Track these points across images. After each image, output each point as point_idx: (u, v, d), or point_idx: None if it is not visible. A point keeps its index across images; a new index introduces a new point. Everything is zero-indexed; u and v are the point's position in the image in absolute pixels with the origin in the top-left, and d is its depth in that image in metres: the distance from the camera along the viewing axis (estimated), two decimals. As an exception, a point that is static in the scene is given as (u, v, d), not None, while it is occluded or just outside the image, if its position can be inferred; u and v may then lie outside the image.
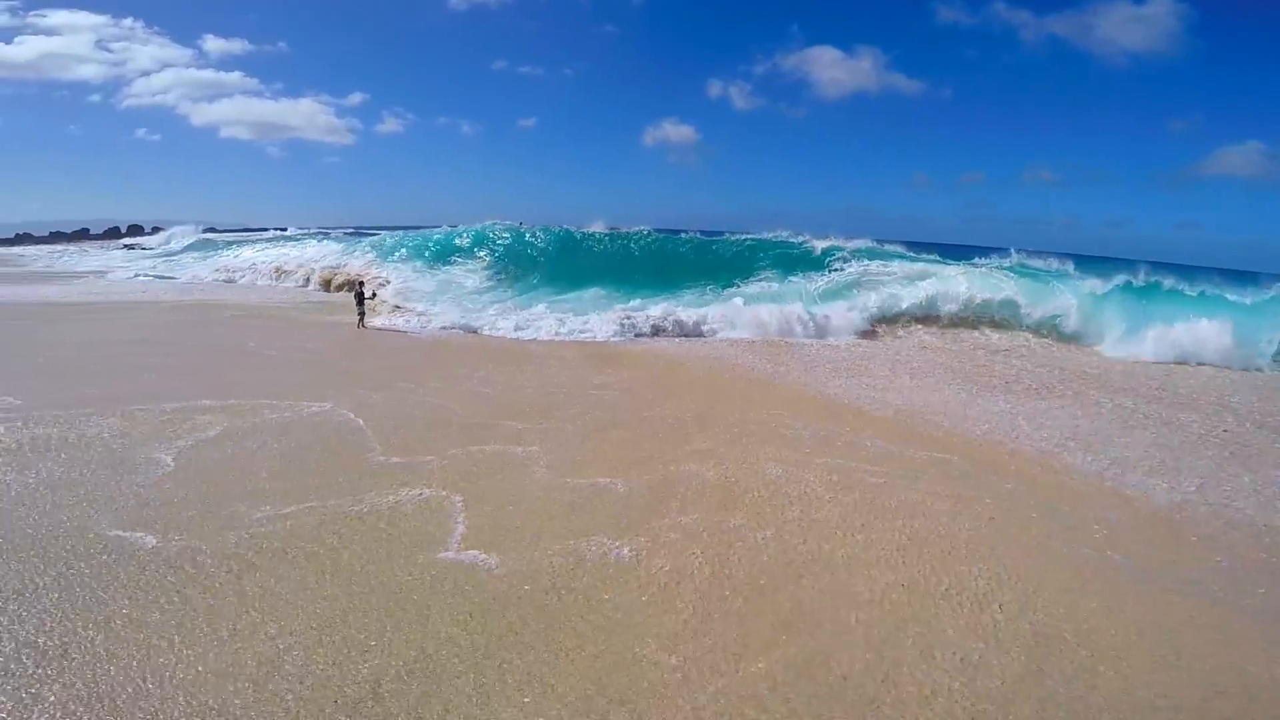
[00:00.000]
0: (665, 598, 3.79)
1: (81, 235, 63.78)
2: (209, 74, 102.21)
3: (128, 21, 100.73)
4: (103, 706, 2.72)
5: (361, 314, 14.49)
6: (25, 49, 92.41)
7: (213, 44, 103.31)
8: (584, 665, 3.17)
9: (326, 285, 23.17)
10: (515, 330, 14.39)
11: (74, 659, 3.00)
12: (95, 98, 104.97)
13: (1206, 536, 4.97)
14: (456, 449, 6.14)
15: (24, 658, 3.01)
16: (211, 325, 14.05)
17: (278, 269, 26.54)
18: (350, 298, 15.43)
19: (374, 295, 16.32)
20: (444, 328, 14.72)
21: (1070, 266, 17.71)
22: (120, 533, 4.26)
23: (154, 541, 4.16)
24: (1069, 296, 15.58)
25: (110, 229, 65.85)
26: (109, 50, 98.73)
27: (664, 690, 3.01)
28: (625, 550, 4.32)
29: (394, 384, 8.74)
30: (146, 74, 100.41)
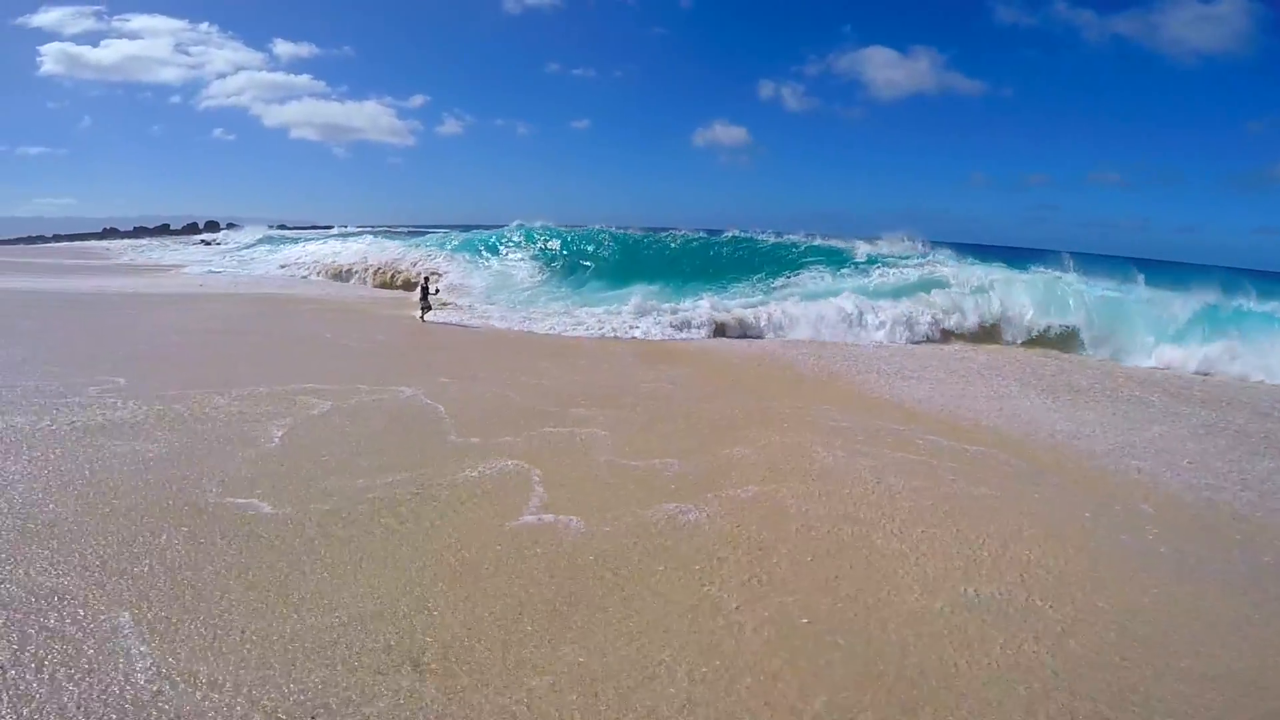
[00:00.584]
0: (728, 550, 4.27)
1: (163, 230, 67.98)
2: (280, 76, 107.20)
3: (204, 25, 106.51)
4: (225, 647, 3.23)
5: (426, 307, 15.28)
6: (111, 52, 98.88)
7: (283, 48, 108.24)
8: (662, 605, 3.63)
9: (386, 283, 24.21)
10: (573, 327, 14.96)
11: (201, 608, 3.54)
12: (175, 99, 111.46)
13: None
14: (528, 431, 6.68)
15: (153, 605, 3.60)
16: (288, 318, 15.05)
17: (336, 267, 27.37)
18: (410, 293, 16.26)
19: (437, 291, 17.09)
20: (499, 323, 15.42)
21: (1141, 281, 16.56)
22: (233, 499, 4.83)
23: (267, 508, 4.70)
24: (1142, 333, 14.34)
25: (189, 224, 69.99)
26: (187, 54, 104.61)
27: (736, 621, 3.43)
28: (692, 514, 4.86)
29: (461, 373, 9.37)
30: (222, 76, 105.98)
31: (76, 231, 69.49)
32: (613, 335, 14.46)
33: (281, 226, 60.60)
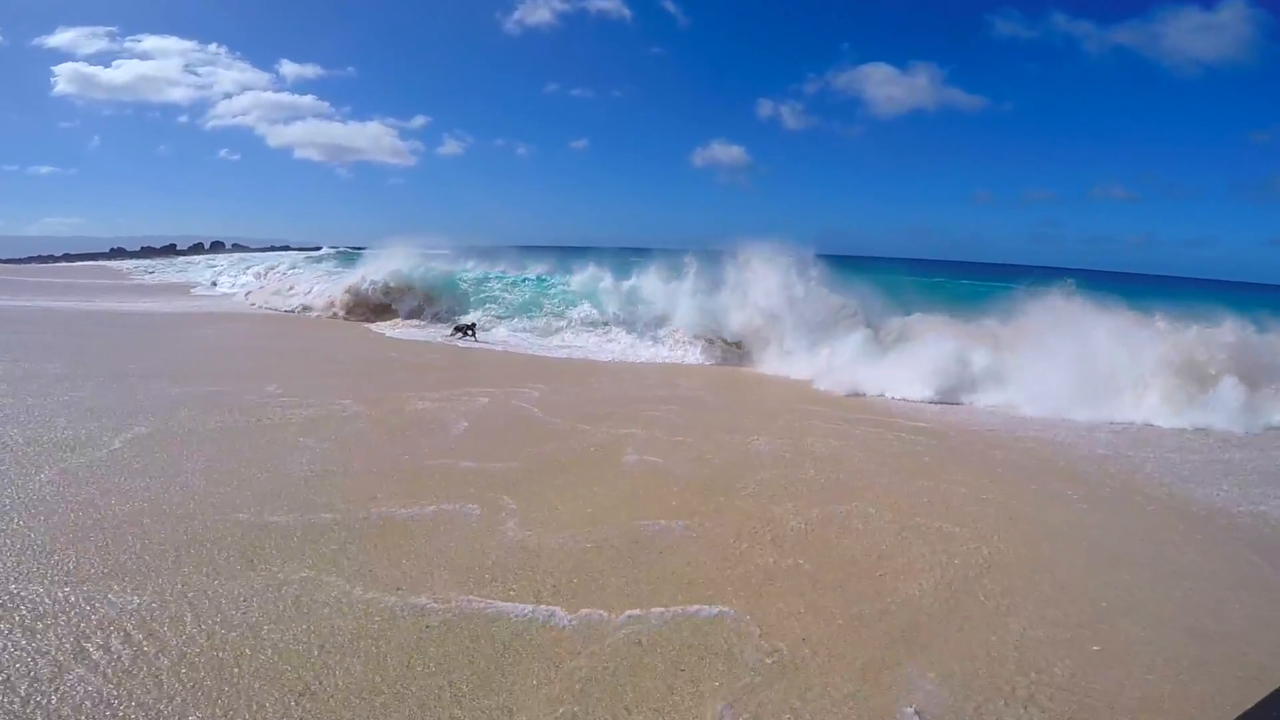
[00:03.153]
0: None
1: (169, 250, 68.89)
2: (285, 97, 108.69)
3: (213, 46, 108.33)
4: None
5: (465, 331, 16.08)
6: (122, 72, 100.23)
7: (288, 68, 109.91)
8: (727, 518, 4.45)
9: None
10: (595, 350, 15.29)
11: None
12: (183, 119, 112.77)
13: None
14: (612, 419, 7.92)
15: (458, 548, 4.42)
16: (331, 341, 15.92)
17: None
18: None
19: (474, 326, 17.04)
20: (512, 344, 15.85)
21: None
22: (447, 461, 6.25)
23: (471, 464, 6.15)
24: None
25: (195, 244, 70.97)
26: (196, 74, 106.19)
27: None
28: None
29: (522, 385, 10.23)
30: (229, 96, 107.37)
31: (84, 251, 70.32)
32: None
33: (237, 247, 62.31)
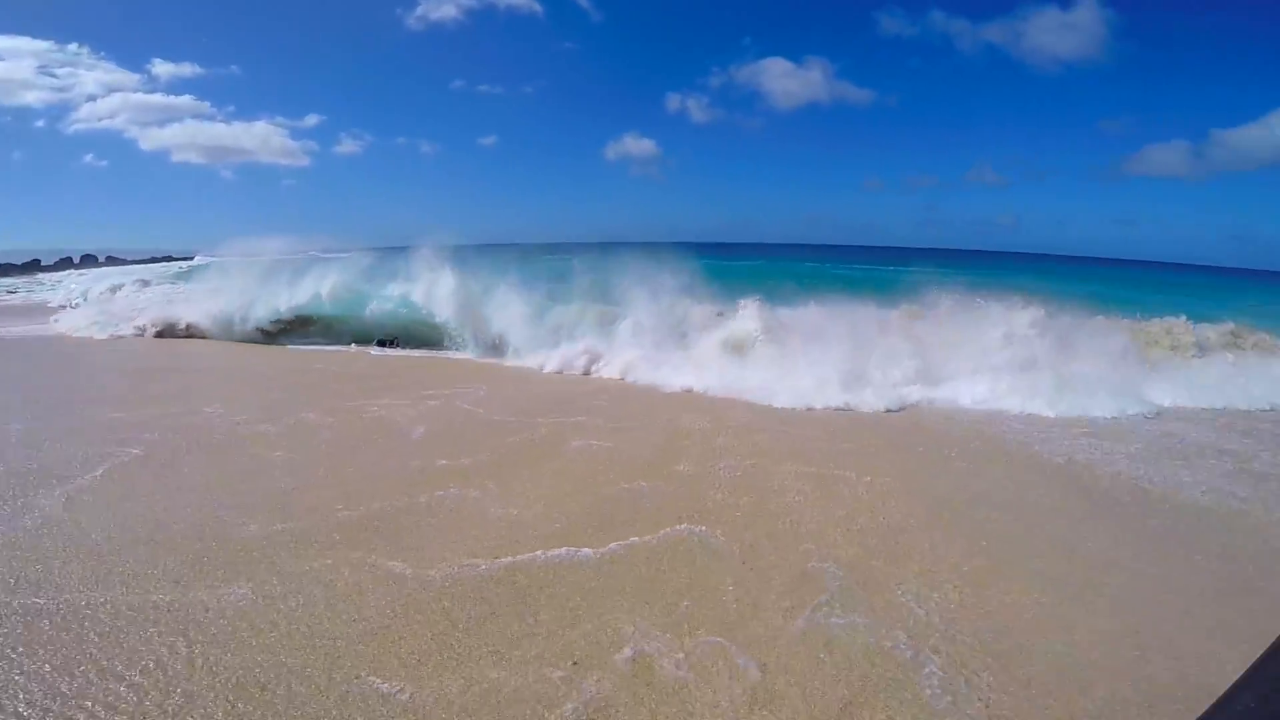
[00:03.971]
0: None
1: (33, 266, 62.25)
2: (158, 98, 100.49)
3: (73, 47, 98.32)
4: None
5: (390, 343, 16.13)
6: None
7: (161, 68, 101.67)
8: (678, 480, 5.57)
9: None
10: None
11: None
12: (40, 123, 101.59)
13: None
14: (554, 412, 8.55)
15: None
16: (247, 358, 15.75)
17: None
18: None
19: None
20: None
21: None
22: (422, 460, 6.58)
23: (445, 461, 6.34)
24: None
25: (62, 259, 64.44)
26: (53, 75, 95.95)
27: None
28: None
29: (454, 387, 10.89)
30: (93, 99, 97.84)
31: (-71, 268, 62.18)
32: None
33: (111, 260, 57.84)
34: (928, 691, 3.23)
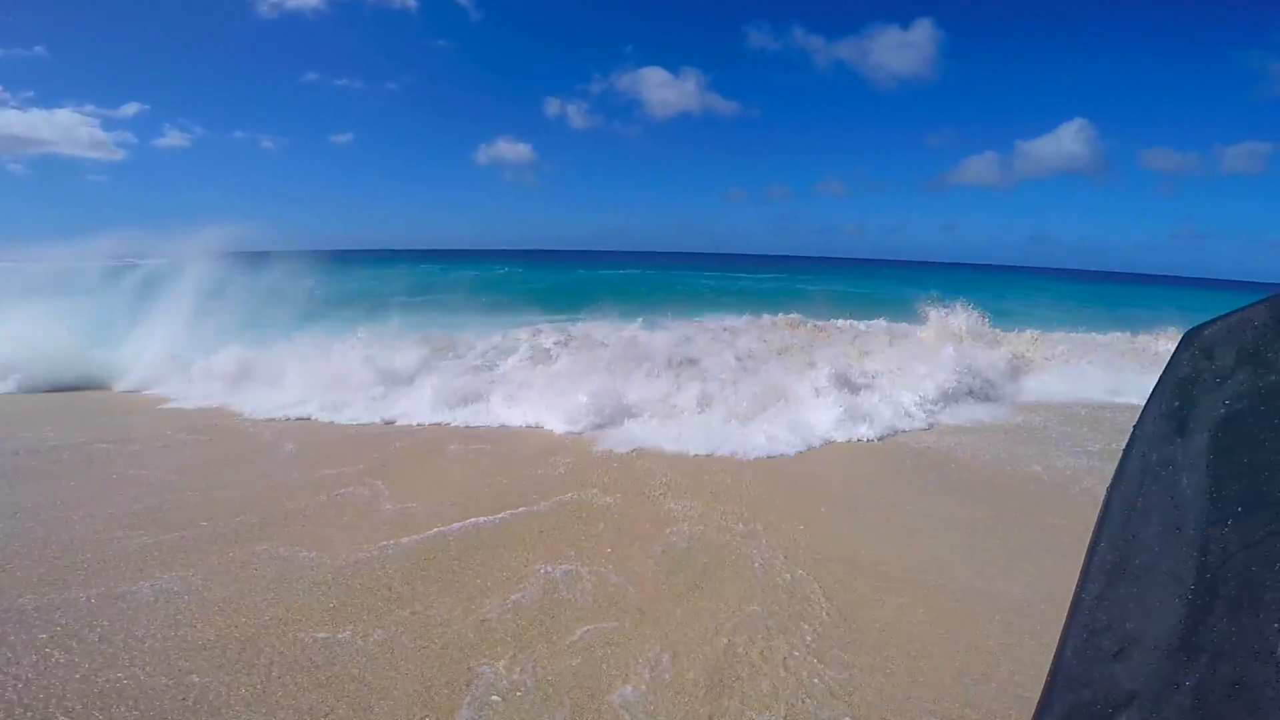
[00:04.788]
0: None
1: None
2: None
3: None
4: None
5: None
6: None
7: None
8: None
9: None
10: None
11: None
12: None
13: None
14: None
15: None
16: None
17: None
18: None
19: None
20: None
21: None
22: (311, 472, 5.84)
23: (329, 471, 5.63)
24: None
25: None
26: None
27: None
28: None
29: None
30: None
31: None
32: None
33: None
34: (756, 563, 4.65)
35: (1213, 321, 0.92)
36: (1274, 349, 0.84)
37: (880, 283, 41.25)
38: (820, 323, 15.74)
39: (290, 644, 3.60)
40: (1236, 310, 0.90)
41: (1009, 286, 40.85)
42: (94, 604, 3.96)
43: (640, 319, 14.25)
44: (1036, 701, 0.75)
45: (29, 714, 2.99)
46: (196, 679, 3.28)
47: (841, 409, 8.38)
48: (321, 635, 3.68)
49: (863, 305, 17.72)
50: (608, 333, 12.96)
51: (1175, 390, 0.90)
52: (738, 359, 10.85)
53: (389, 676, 3.35)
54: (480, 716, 3.05)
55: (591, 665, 3.45)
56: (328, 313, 16.56)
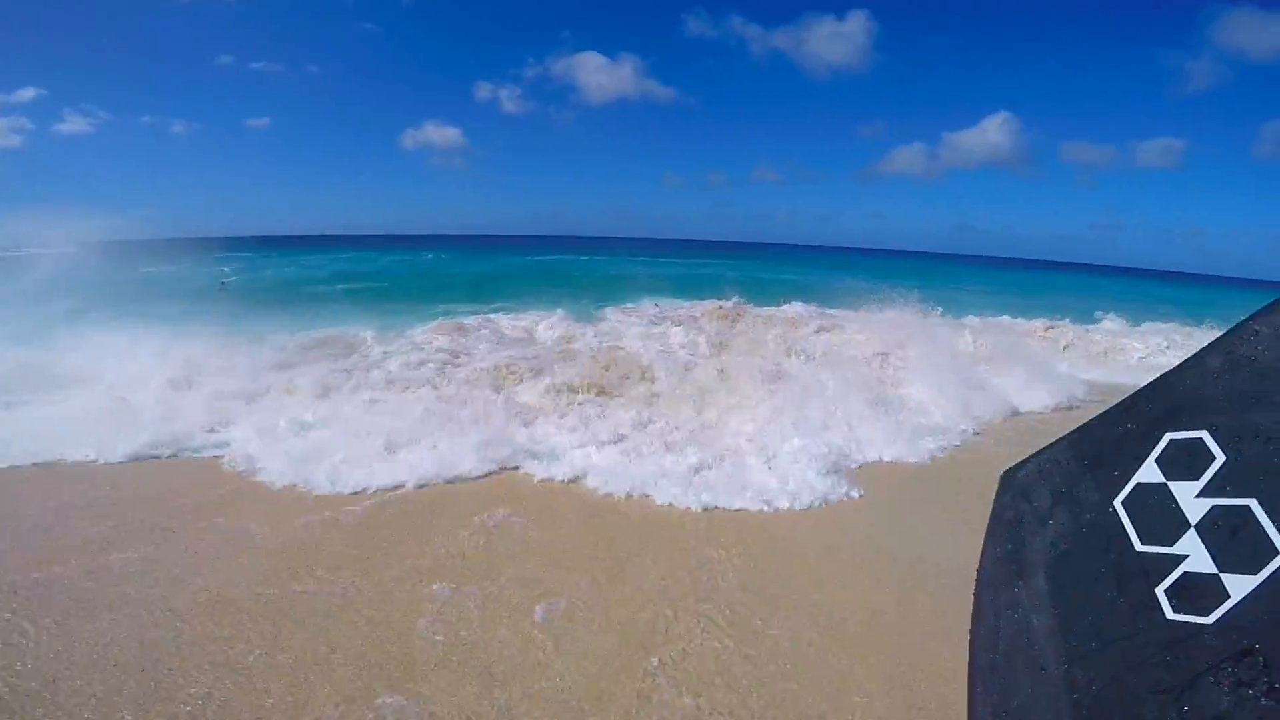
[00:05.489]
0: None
1: None
2: None
3: None
4: None
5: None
6: None
7: None
8: None
9: None
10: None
11: None
12: None
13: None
14: None
15: None
16: None
17: None
18: None
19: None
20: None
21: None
22: None
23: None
24: None
25: None
26: None
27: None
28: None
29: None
30: None
31: None
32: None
33: None
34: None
35: (1025, 463, 1.07)
36: (1083, 486, 0.94)
37: (812, 269, 41.68)
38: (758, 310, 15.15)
39: None
40: (1044, 450, 1.05)
41: (936, 274, 42.05)
42: None
43: (559, 310, 13.33)
44: None
45: None
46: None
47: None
48: None
49: (796, 292, 17.41)
50: (527, 326, 12.01)
51: (1006, 534, 1.00)
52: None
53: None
54: None
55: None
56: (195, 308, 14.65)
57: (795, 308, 15.05)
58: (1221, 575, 0.77)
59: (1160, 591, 0.81)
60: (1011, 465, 1.08)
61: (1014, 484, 1.05)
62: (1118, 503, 0.90)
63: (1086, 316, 17.29)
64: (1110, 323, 17.27)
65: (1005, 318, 16.40)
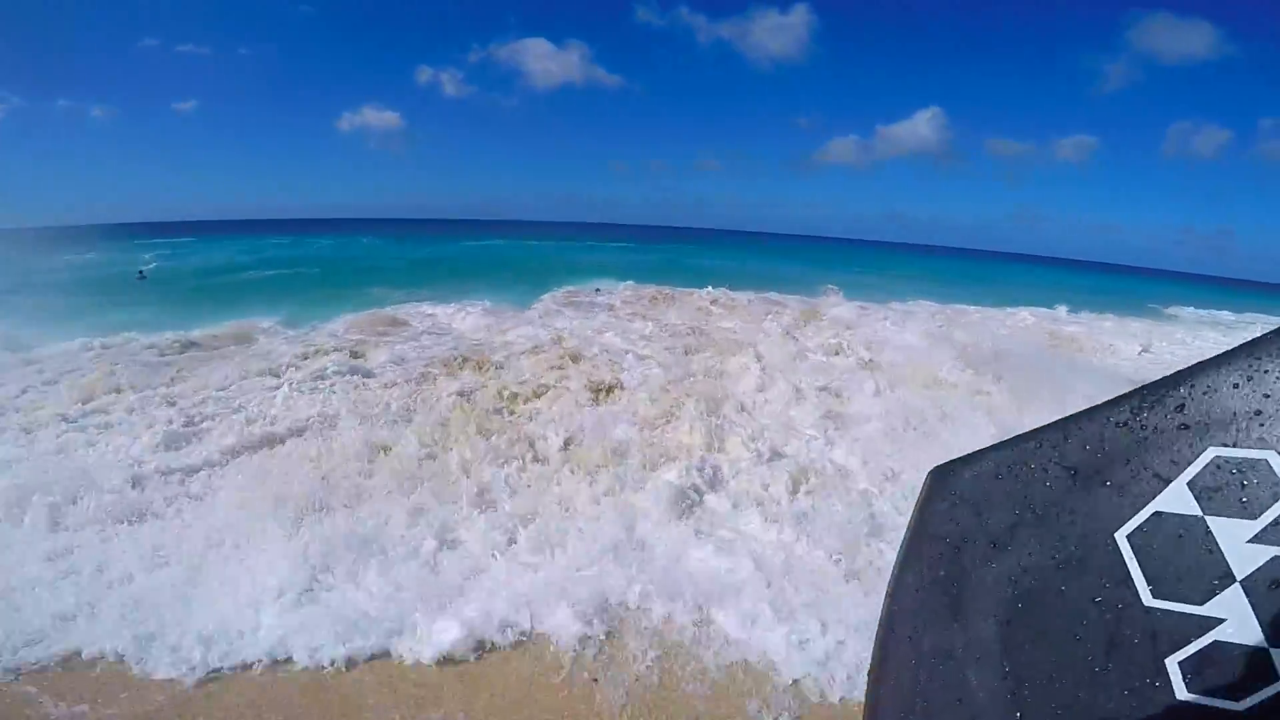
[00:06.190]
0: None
1: None
2: None
3: None
4: None
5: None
6: None
7: None
8: None
9: None
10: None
11: None
12: None
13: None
14: None
15: None
16: None
17: None
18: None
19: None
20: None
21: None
22: None
23: None
24: None
25: None
26: None
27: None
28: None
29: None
30: None
31: None
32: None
33: None
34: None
35: (970, 460, 0.77)
36: (1065, 507, 0.70)
37: (752, 256, 42.34)
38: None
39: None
40: (1001, 446, 0.77)
41: (872, 260, 43.30)
42: None
43: (486, 301, 13.07)
44: None
45: None
46: None
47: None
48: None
49: (732, 280, 17.71)
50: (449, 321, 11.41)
51: (939, 555, 0.74)
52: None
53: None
54: None
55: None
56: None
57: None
58: (1273, 651, 0.57)
59: (1173, 663, 0.61)
60: (946, 462, 0.80)
61: (953, 488, 0.78)
62: (1121, 535, 0.67)
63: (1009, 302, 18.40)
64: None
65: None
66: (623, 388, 7.23)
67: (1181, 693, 0.60)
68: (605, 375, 7.58)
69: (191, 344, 9.18)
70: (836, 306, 13.44)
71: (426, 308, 12.50)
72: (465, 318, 11.37)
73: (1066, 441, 0.74)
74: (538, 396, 6.85)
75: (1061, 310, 18.32)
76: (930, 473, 0.82)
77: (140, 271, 21.32)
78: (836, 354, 9.00)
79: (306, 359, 8.26)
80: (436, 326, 10.97)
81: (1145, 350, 12.59)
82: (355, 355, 8.48)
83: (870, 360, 8.50)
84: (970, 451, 0.80)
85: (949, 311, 15.88)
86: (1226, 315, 23.75)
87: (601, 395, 7.01)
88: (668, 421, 6.20)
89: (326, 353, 8.46)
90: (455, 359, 8.23)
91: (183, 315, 11.49)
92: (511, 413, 6.52)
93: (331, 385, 7.15)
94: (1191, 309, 25.18)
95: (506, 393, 6.90)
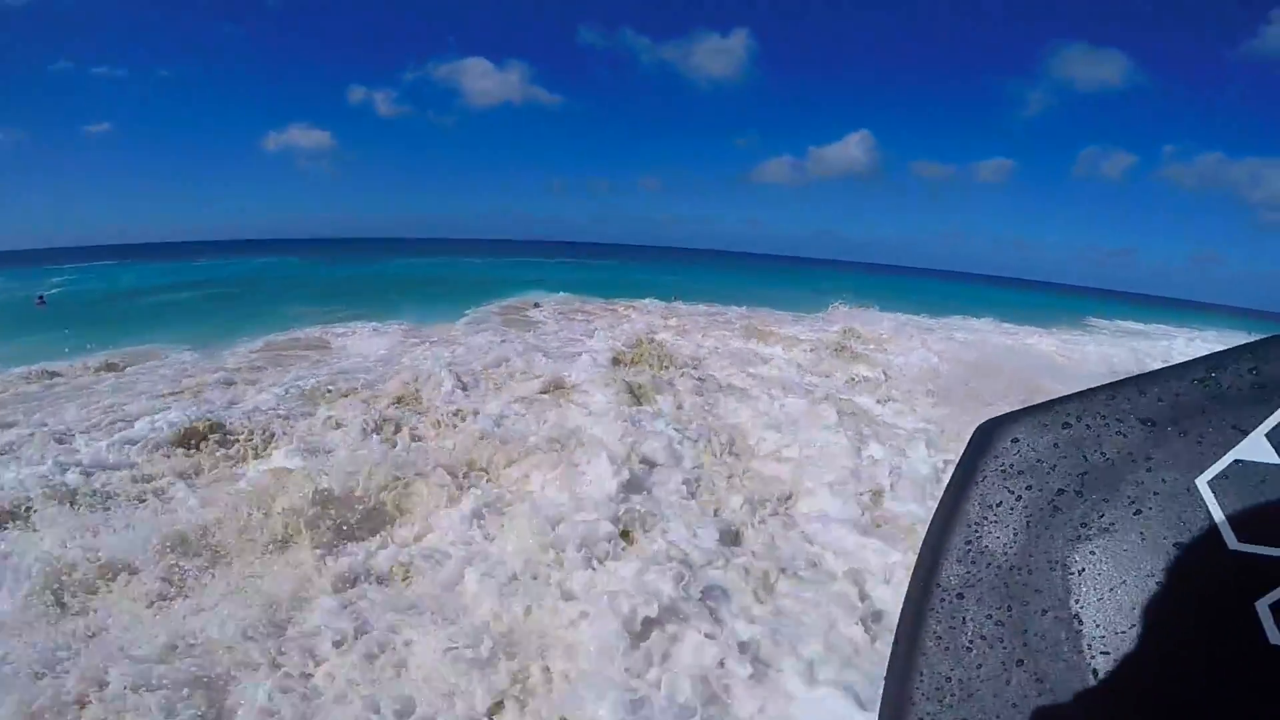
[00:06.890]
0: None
1: None
2: None
3: None
4: None
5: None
6: None
7: None
8: None
9: None
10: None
11: None
12: None
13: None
14: None
15: None
16: None
17: None
18: None
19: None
20: None
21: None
22: None
23: None
24: None
25: None
26: None
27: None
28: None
29: None
30: None
31: None
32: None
33: None
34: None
35: (1026, 414, 0.75)
36: (1141, 454, 0.69)
37: (695, 273, 42.76)
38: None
39: None
40: (1063, 400, 0.74)
41: (807, 278, 44.26)
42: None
43: (402, 321, 12.43)
44: None
45: None
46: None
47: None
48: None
49: (669, 293, 17.59)
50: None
51: (996, 506, 0.70)
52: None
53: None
54: None
55: None
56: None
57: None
58: None
59: (1263, 606, 0.58)
60: (997, 415, 0.77)
61: (1011, 440, 0.74)
62: (1201, 481, 0.65)
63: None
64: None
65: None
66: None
67: (1274, 635, 0.56)
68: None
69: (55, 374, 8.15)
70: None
71: (338, 329, 11.72)
72: (375, 338, 10.66)
73: (1142, 396, 0.73)
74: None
75: (987, 321, 18.92)
76: (979, 427, 0.78)
77: (40, 296, 19.71)
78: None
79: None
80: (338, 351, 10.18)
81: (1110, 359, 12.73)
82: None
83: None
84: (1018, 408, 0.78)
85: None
86: (1138, 325, 25.83)
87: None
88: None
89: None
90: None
91: (74, 342, 10.29)
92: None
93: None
94: (1105, 320, 26.89)
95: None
